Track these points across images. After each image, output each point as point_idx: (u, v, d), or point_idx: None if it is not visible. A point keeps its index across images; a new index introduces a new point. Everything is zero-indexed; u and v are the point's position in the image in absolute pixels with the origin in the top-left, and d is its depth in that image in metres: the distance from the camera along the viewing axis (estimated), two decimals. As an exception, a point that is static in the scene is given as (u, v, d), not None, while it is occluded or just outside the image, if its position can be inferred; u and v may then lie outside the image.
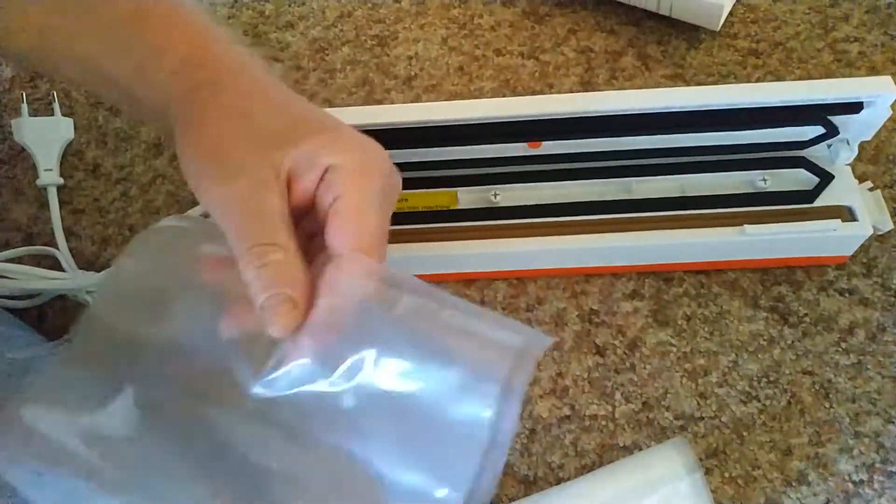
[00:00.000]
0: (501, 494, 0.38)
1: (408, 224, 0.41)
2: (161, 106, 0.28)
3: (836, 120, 0.38)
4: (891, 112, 0.38)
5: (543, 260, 0.42)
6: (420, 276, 0.26)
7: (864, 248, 0.42)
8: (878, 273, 0.42)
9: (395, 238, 0.29)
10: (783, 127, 0.40)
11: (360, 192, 0.27)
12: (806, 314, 0.41)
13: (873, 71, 0.48)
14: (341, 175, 0.27)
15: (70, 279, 0.42)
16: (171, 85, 0.28)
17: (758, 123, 0.39)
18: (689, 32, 0.51)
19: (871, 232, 0.39)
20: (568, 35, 0.52)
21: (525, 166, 0.42)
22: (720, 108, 0.38)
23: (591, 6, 0.53)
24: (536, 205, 0.41)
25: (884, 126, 0.46)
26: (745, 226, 0.39)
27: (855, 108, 0.38)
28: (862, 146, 0.45)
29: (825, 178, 0.40)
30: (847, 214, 0.39)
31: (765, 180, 0.41)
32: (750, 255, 0.41)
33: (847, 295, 0.41)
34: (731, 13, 0.51)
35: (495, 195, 0.42)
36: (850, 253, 0.41)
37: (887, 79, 0.37)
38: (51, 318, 0.44)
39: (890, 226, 0.39)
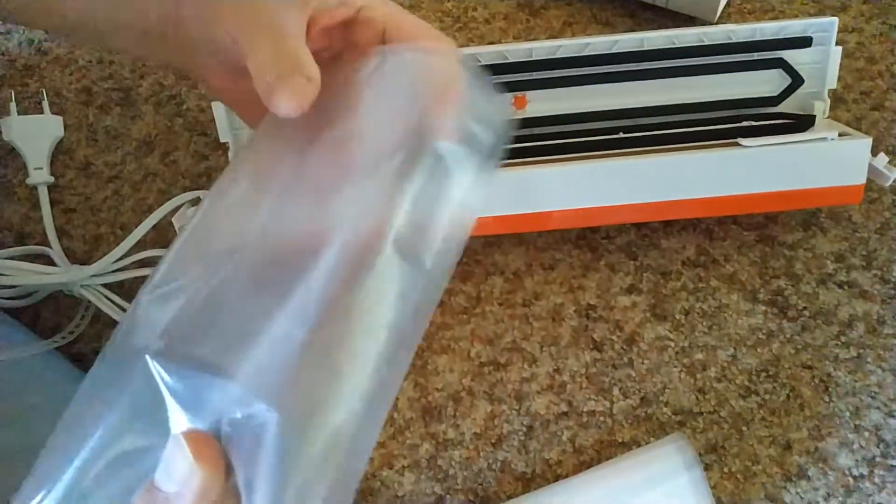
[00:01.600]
0: (499, 492, 0.38)
1: None
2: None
3: (796, 65, 0.41)
4: (840, 49, 0.41)
5: (540, 197, 0.39)
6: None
7: (863, 240, 0.42)
8: (878, 266, 0.41)
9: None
10: (745, 71, 0.41)
11: (410, 16, 0.28)
12: (805, 307, 0.41)
13: (871, 61, 0.48)
14: (380, 10, 0.28)
15: (64, 273, 0.42)
16: None
17: (719, 69, 0.41)
18: (686, 24, 0.50)
19: (870, 143, 0.37)
20: (563, 27, 0.51)
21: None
22: (685, 48, 0.41)
23: (587, -2, 0.52)
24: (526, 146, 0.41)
25: (882, 117, 0.46)
26: (740, 139, 0.38)
27: (805, 42, 0.41)
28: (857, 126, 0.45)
29: (806, 119, 0.41)
30: (843, 135, 0.39)
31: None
32: (752, 186, 0.39)
33: (846, 288, 0.41)
34: (727, 3, 0.51)
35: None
36: (859, 181, 0.38)
37: (831, 18, 0.40)
38: (45, 317, 0.44)
39: (892, 172, 0.38)
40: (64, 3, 0.29)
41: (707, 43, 0.41)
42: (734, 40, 0.41)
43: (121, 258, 0.42)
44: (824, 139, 0.37)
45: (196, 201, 0.41)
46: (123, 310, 0.42)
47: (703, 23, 0.50)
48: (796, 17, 0.50)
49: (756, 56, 0.41)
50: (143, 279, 0.44)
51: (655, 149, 0.39)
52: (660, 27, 0.51)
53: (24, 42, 0.54)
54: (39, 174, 0.47)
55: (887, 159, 0.38)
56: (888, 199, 0.43)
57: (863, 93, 0.47)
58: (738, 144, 0.38)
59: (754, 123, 0.41)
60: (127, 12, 0.28)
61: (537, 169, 0.38)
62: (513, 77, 0.41)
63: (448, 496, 0.37)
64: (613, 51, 0.41)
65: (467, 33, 0.52)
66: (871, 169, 0.38)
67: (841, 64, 0.42)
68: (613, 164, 0.38)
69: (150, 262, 0.43)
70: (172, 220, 0.40)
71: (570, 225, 0.41)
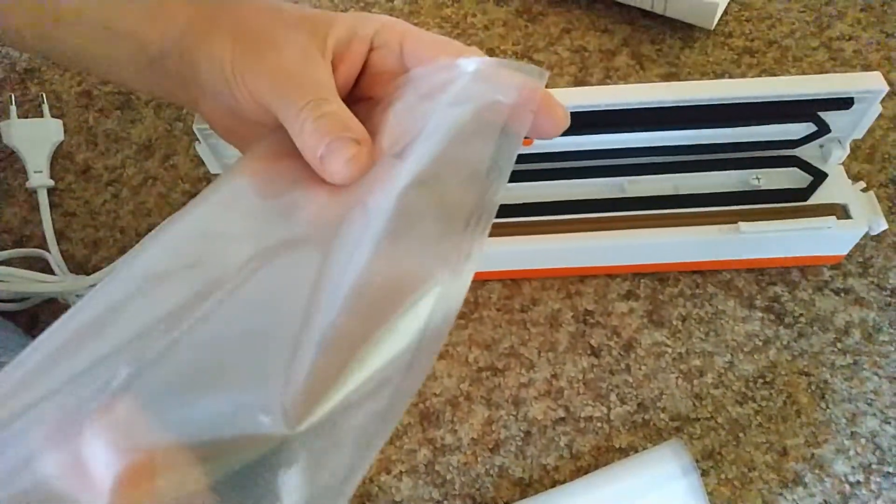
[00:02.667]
0: (497, 497, 0.38)
1: None
2: (175, 36, 0.27)
3: (827, 117, 0.38)
4: (881, 109, 0.38)
5: (536, 260, 0.41)
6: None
7: (859, 247, 0.42)
8: (874, 273, 0.42)
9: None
10: (773, 124, 0.39)
11: (425, 32, 0.27)
12: (801, 314, 0.41)
13: (868, 69, 0.48)
14: (395, 31, 0.27)
15: (60, 282, 0.42)
16: (187, 10, 0.27)
17: (748, 120, 0.39)
18: (684, 31, 0.51)
19: (866, 230, 0.39)
20: (562, 34, 0.52)
21: (515, 165, 0.41)
22: (711, 104, 0.38)
23: (585, 5, 0.53)
24: (526, 203, 0.41)
25: (878, 125, 0.46)
26: (741, 223, 0.39)
27: (845, 104, 0.37)
28: (857, 145, 0.45)
29: (818, 176, 0.40)
30: (842, 212, 0.39)
31: (758, 179, 0.41)
32: (745, 254, 0.41)
33: (843, 295, 0.41)
34: (725, 11, 0.51)
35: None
36: (845, 252, 0.41)
37: (877, 74, 0.37)
38: (43, 321, 0.44)
39: (884, 226, 0.39)
40: (60, 29, 0.29)
41: (745, 102, 0.37)
42: (775, 99, 0.37)
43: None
44: (821, 228, 0.38)
45: None
46: None
47: (701, 31, 0.50)
48: (793, 24, 0.51)
49: (771, 153, 0.40)
50: None
51: (657, 215, 0.40)
52: (658, 34, 0.51)
53: (24, 46, 0.54)
54: (39, 177, 0.48)
55: (882, 218, 0.38)
56: (883, 207, 0.43)
57: (859, 101, 0.47)
58: (737, 228, 0.38)
59: (763, 181, 0.40)
60: (125, 45, 0.28)
61: (530, 241, 0.40)
62: None
63: None
64: (633, 107, 0.38)
65: (466, 40, 0.52)
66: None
67: (837, 71, 0.42)
68: (611, 240, 0.39)
69: None
70: None
71: (560, 274, 0.43)
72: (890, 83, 0.47)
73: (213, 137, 0.40)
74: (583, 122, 0.38)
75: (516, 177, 0.41)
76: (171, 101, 0.31)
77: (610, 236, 0.39)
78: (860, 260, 0.42)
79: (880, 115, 0.46)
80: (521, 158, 0.41)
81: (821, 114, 0.38)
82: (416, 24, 0.54)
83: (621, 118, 0.38)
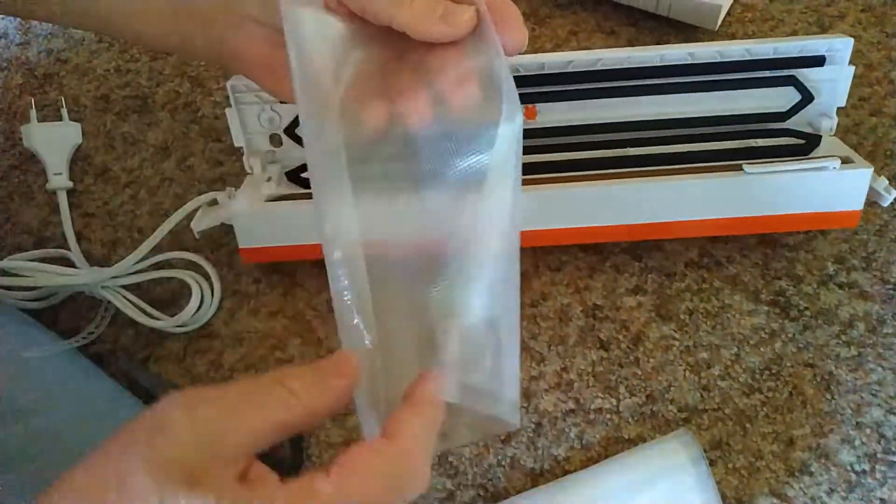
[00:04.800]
0: (508, 487, 0.38)
1: None
2: None
3: (809, 84, 0.41)
4: (853, 69, 0.41)
5: (537, 218, 0.41)
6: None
7: (862, 242, 0.43)
8: (878, 266, 0.42)
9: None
10: (754, 88, 0.41)
11: None
12: (806, 307, 0.42)
13: (870, 68, 0.49)
14: None
15: (85, 275, 0.43)
16: None
17: (730, 84, 0.41)
18: (688, 32, 0.52)
19: (871, 170, 0.38)
20: (568, 36, 0.53)
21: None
22: (693, 63, 0.41)
23: (591, 7, 0.54)
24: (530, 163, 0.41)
25: (879, 123, 0.47)
26: (744, 164, 0.38)
27: (818, 61, 0.41)
28: (859, 142, 0.46)
29: (813, 139, 0.41)
30: (846, 161, 0.39)
31: (756, 143, 0.42)
32: (752, 209, 0.40)
33: (847, 288, 0.42)
34: (728, 13, 0.52)
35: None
36: (857, 207, 0.39)
37: (846, 37, 0.41)
38: (63, 319, 0.45)
39: (891, 194, 0.39)
40: None
41: (723, 60, 0.41)
42: (750, 57, 0.41)
43: (139, 261, 0.43)
44: (826, 168, 0.38)
45: (213, 202, 0.43)
46: (142, 310, 0.43)
47: (705, 32, 0.51)
48: (796, 24, 0.52)
49: (769, 73, 0.41)
50: (160, 281, 0.45)
51: (659, 170, 0.40)
52: (662, 36, 0.52)
53: (43, 51, 0.55)
54: (59, 179, 0.49)
55: (886, 182, 0.39)
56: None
57: (861, 99, 0.48)
58: (741, 169, 0.39)
59: (760, 143, 0.42)
60: None
61: (542, 189, 0.39)
62: (524, 89, 0.42)
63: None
64: (626, 66, 0.41)
65: (475, 42, 0.53)
66: (871, 191, 0.39)
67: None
68: (618, 187, 0.39)
69: (168, 265, 0.44)
70: (191, 225, 0.42)
71: (567, 242, 0.43)
72: (891, 82, 0.48)
73: (245, 102, 0.42)
74: (583, 80, 0.42)
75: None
76: (186, 51, 0.32)
77: (611, 185, 0.39)
78: (864, 254, 0.43)
79: (882, 113, 0.47)
80: (526, 134, 0.42)
81: (801, 79, 0.41)
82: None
83: (618, 83, 0.41)
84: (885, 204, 0.39)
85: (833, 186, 0.39)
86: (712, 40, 0.51)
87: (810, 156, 0.40)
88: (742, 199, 0.39)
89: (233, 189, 0.42)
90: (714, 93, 0.42)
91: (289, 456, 0.39)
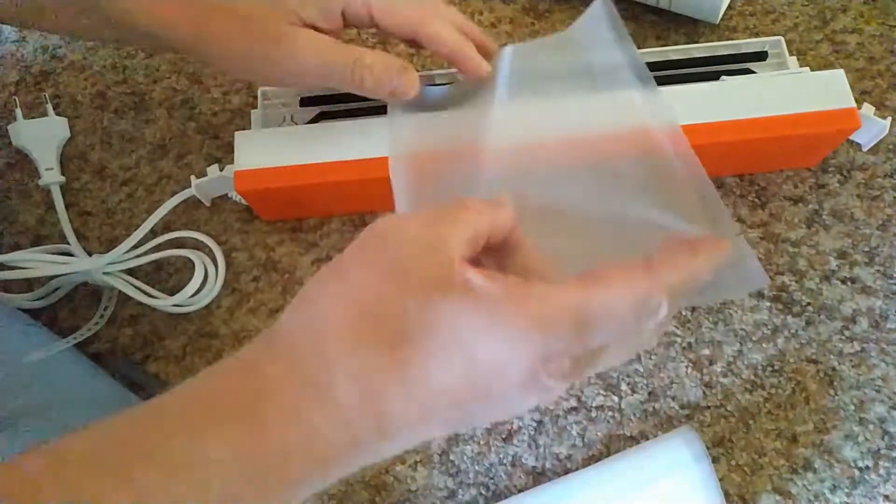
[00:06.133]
0: (510, 485, 0.38)
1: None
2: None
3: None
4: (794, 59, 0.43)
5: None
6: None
7: (865, 237, 0.43)
8: (881, 262, 0.42)
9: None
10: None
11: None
12: (809, 303, 0.41)
13: (872, 61, 0.49)
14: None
15: (86, 261, 0.43)
16: None
17: (699, 79, 0.42)
18: (689, 26, 0.51)
19: (843, 73, 0.40)
20: (568, 31, 0.52)
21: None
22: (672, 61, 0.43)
23: (591, 1, 0.53)
24: None
25: (882, 115, 0.47)
26: (722, 76, 0.41)
27: (760, 56, 0.44)
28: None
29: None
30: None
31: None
32: (737, 112, 0.39)
33: (849, 284, 0.42)
34: (729, 6, 0.52)
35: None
36: (849, 104, 0.39)
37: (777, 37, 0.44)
38: (62, 317, 0.45)
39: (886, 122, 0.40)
40: None
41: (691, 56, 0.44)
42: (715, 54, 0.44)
43: (134, 247, 0.43)
44: (799, 72, 0.41)
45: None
46: (148, 294, 0.43)
47: (706, 26, 0.51)
48: (797, 17, 0.51)
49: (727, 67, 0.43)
50: (161, 262, 0.45)
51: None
52: (664, 30, 0.52)
53: (38, 49, 0.55)
54: (51, 175, 0.48)
55: (874, 109, 0.40)
56: (889, 197, 0.44)
57: (864, 92, 0.47)
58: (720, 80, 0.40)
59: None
60: None
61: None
62: None
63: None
64: None
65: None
66: (864, 119, 0.39)
67: (842, 64, 0.43)
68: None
69: (165, 247, 0.44)
70: (194, 191, 0.42)
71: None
72: (894, 76, 0.48)
73: (271, 106, 0.44)
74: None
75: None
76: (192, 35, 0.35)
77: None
78: (866, 249, 0.42)
79: (884, 107, 0.47)
80: None
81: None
82: (424, 23, 0.55)
83: None
84: (884, 133, 0.40)
85: (815, 87, 0.40)
86: (714, 34, 0.51)
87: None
88: (725, 104, 0.39)
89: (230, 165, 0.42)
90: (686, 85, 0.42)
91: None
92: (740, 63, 0.44)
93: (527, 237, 0.26)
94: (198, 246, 0.45)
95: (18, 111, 0.49)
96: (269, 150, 0.40)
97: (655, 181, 0.33)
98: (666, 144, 0.34)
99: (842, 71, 0.39)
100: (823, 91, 0.39)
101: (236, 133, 0.41)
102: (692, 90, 0.40)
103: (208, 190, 0.44)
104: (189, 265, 0.43)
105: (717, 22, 0.50)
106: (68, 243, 0.46)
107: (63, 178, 0.49)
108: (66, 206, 0.48)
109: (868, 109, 0.40)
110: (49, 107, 0.50)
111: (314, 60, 0.33)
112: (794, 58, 0.44)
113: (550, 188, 0.32)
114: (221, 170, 0.43)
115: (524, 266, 0.25)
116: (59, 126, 0.50)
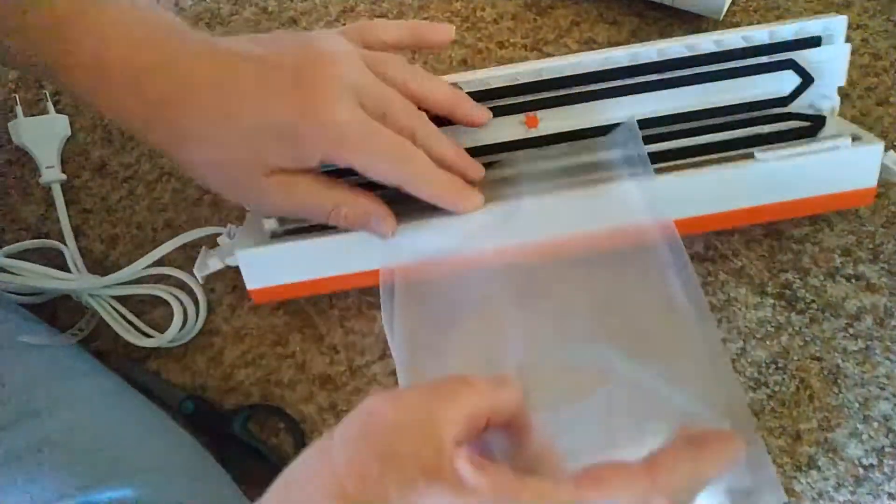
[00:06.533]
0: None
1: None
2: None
3: (807, 66, 0.40)
4: (849, 47, 0.40)
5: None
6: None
7: (869, 234, 0.42)
8: (885, 259, 0.42)
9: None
10: (756, 75, 0.41)
11: None
12: (813, 300, 0.41)
13: (876, 57, 0.48)
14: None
15: (74, 280, 0.43)
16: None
17: (732, 74, 0.41)
18: (692, 22, 0.51)
19: (882, 144, 0.38)
20: (571, 27, 0.52)
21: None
22: (695, 57, 0.40)
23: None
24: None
25: (887, 112, 0.46)
26: (755, 151, 0.38)
27: (814, 42, 0.41)
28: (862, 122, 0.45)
29: (818, 120, 0.40)
30: (855, 138, 0.39)
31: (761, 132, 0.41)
32: (765, 196, 0.39)
33: (854, 281, 0.41)
34: (733, 2, 0.51)
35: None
36: (871, 184, 0.39)
37: (839, 16, 0.41)
38: (62, 315, 0.45)
39: None
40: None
41: (721, 49, 0.41)
42: (747, 45, 0.41)
43: (138, 274, 0.43)
44: (837, 147, 0.38)
45: (214, 237, 0.41)
46: (129, 322, 0.43)
47: (709, 21, 0.51)
48: (801, 14, 0.51)
49: (767, 59, 0.41)
50: (153, 297, 0.44)
51: (666, 166, 0.39)
52: (665, 26, 0.51)
53: (38, 45, 0.54)
54: (51, 172, 0.48)
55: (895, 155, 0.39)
56: (894, 194, 0.44)
57: (868, 88, 0.47)
58: (752, 157, 0.38)
59: (766, 130, 0.41)
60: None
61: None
62: (524, 98, 0.41)
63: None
64: (627, 63, 0.41)
65: (476, 33, 0.53)
66: (883, 168, 0.39)
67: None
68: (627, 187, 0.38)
69: (166, 280, 0.44)
70: (194, 271, 0.40)
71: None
72: (899, 71, 0.48)
73: None
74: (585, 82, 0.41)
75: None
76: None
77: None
78: (871, 246, 0.42)
79: (888, 103, 0.47)
80: (527, 143, 0.42)
81: (800, 61, 0.40)
82: (425, 19, 0.55)
83: (614, 82, 0.41)
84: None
85: (846, 165, 0.38)
86: (716, 30, 0.51)
87: (818, 137, 0.40)
88: (754, 187, 0.39)
89: (233, 226, 0.40)
90: (714, 83, 0.41)
91: (291, 455, 0.39)
92: (783, 53, 0.41)
93: (538, 411, 0.25)
94: (183, 286, 0.44)
95: (19, 108, 0.49)
96: (277, 269, 0.39)
97: (675, 347, 0.33)
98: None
99: (881, 145, 0.38)
100: (856, 168, 0.39)
101: (238, 252, 0.38)
102: (726, 174, 0.38)
103: (210, 270, 0.41)
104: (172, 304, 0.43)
105: (721, 18, 0.50)
106: (66, 245, 0.45)
107: (64, 176, 0.49)
108: (67, 204, 0.48)
109: (890, 158, 0.39)
110: (50, 104, 0.50)
111: (290, 208, 0.36)
112: (837, 107, 0.42)
113: (566, 354, 0.32)
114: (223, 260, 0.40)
115: (533, 453, 0.24)
116: (60, 123, 0.50)
